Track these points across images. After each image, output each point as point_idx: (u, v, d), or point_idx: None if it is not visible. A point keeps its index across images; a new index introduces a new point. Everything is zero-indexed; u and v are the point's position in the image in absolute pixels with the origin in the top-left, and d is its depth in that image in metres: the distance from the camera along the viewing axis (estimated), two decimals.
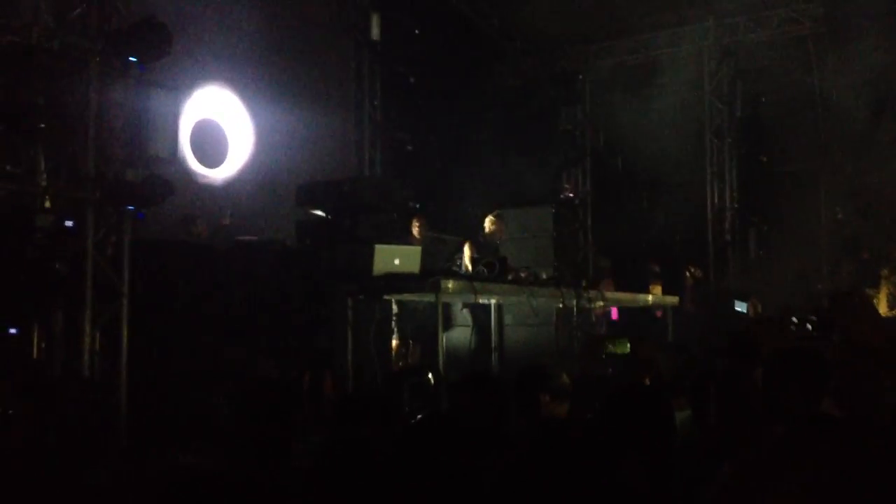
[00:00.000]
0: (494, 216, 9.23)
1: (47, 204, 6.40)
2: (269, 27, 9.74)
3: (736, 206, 12.62)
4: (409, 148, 11.11)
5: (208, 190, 9.02)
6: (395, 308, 8.45)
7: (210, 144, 9.02)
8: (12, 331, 6.33)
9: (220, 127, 9.30)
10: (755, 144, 12.66)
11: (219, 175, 9.20)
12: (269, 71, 9.78)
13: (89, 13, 6.59)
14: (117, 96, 6.43)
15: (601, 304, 9.38)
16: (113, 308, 6.57)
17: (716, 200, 12.72)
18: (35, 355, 6.42)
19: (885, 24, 10.84)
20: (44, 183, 6.41)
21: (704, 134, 12.81)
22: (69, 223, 6.14)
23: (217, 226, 8.81)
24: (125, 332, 6.64)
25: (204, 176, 8.70)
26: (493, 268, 8.46)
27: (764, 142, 12.64)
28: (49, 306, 6.28)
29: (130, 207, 6.39)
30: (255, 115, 9.80)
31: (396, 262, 7.74)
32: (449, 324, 8.73)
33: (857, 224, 11.94)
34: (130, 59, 6.46)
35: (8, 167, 6.46)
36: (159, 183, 6.42)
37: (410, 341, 8.92)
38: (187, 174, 8.12)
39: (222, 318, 7.46)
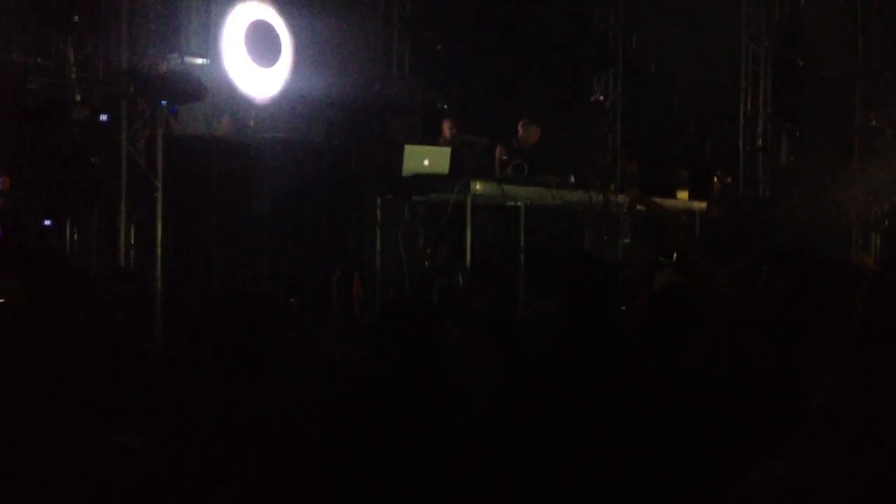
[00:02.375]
0: (527, 120, 9.16)
1: (77, 97, 6.43)
2: None
3: (769, 111, 12.43)
4: (439, 48, 10.94)
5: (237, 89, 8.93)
6: (422, 208, 8.50)
7: (264, 45, 8.90)
8: (47, 223, 6.44)
9: (272, 27, 9.18)
10: (792, 49, 12.38)
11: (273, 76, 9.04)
12: None
13: None
14: None
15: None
16: (147, 202, 6.66)
17: (749, 106, 12.54)
18: (68, 248, 6.55)
19: None
20: (73, 76, 6.42)
21: (740, 37, 12.53)
22: (104, 117, 6.18)
23: (241, 125, 8.78)
24: (160, 226, 6.74)
25: (237, 75, 8.58)
26: (521, 170, 8.46)
27: (801, 46, 12.34)
28: (85, 200, 6.36)
29: (164, 102, 6.40)
30: (285, 13, 9.64)
31: (426, 162, 7.76)
32: (476, 226, 8.77)
33: (892, 132, 11.77)
34: None
35: (40, 60, 6.48)
36: (193, 79, 6.41)
37: (437, 242, 8.99)
38: (220, 71, 8.04)
39: (253, 215, 7.54)
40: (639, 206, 8.33)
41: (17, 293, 5.65)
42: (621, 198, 9.09)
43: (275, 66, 8.86)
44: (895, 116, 11.84)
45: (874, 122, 11.78)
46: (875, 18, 12.20)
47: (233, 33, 8.26)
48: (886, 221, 10.70)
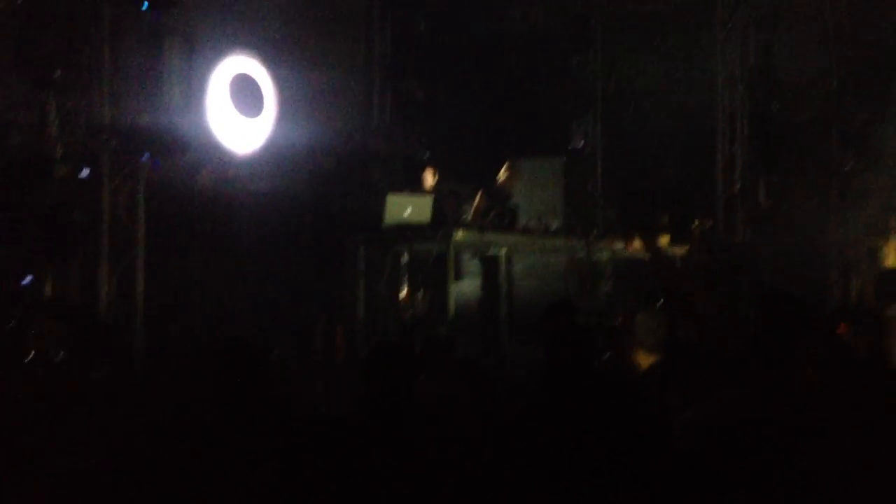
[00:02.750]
0: (508, 166, 9.22)
1: (60, 153, 6.43)
2: None
3: (746, 155, 12.58)
4: (420, 96, 11.05)
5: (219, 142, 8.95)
6: (405, 257, 8.51)
7: (248, 96, 8.98)
8: (27, 279, 6.41)
9: (256, 79, 9.26)
10: (767, 93, 12.57)
11: (256, 127, 9.10)
12: (277, 18, 9.67)
13: None
14: (131, 44, 6.41)
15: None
16: (129, 256, 6.64)
17: (726, 150, 12.68)
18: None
19: None
20: (56, 132, 6.43)
21: (716, 82, 12.71)
22: (85, 172, 6.18)
23: (222, 176, 8.78)
24: (141, 280, 6.71)
25: (221, 126, 8.62)
26: (503, 218, 8.51)
27: (776, 90, 12.54)
28: (66, 255, 6.34)
29: (146, 156, 6.42)
30: (267, 64, 9.72)
31: (408, 211, 7.78)
32: (459, 274, 8.78)
33: (867, 175, 11.93)
34: (144, 6, 6.43)
35: (21, 116, 6.49)
36: (175, 133, 6.43)
37: (420, 291, 9.00)
38: (203, 124, 8.08)
39: (235, 267, 7.53)
40: (636, 245, 8.39)
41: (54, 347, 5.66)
42: (603, 243, 9.15)
43: (258, 118, 8.94)
44: (871, 159, 12.01)
45: (851, 165, 11.94)
46: (847, 61, 12.42)
47: (217, 85, 8.32)
48: (865, 264, 10.80)
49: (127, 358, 6.69)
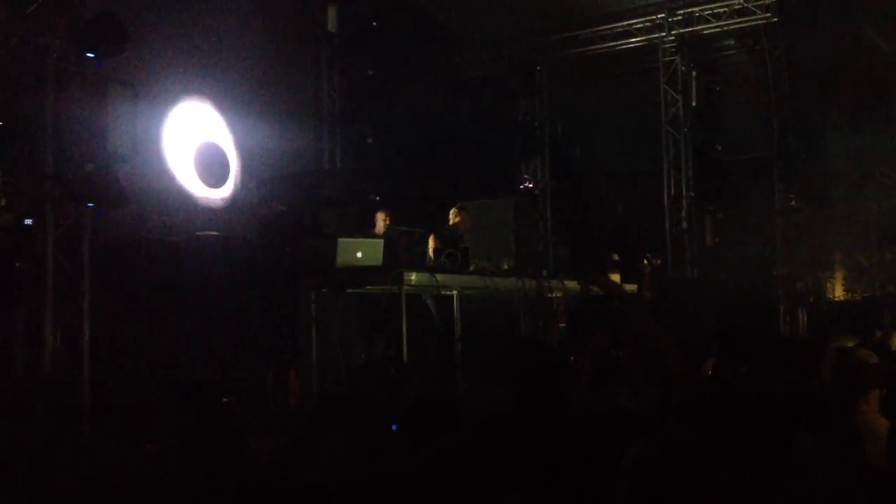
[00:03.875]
0: (458, 208, 9.29)
1: (3, 202, 6.33)
2: (232, 24, 9.66)
3: (692, 194, 12.82)
4: (370, 140, 11.11)
5: (167, 190, 8.90)
6: (357, 301, 8.49)
7: (212, 166, 8.99)
8: None
9: (221, 149, 9.28)
10: (710, 134, 12.86)
11: (219, 195, 9.14)
12: (228, 65, 9.71)
13: (46, 9, 6.50)
14: (75, 92, 6.36)
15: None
16: (75, 305, 6.52)
17: (672, 189, 12.92)
18: None
19: (835, 15, 11.09)
20: None
21: (660, 124, 12.97)
22: (28, 221, 6.08)
23: (170, 222, 8.71)
24: (87, 330, 6.59)
25: (162, 177, 8.59)
26: (455, 259, 8.53)
27: (719, 131, 12.83)
28: (10, 305, 6.21)
29: (90, 205, 6.33)
30: (218, 111, 9.71)
31: (359, 254, 7.77)
32: (411, 316, 8.76)
33: (810, 210, 12.21)
34: (87, 55, 6.40)
35: None
36: (117, 185, 6.36)
37: (373, 334, 8.95)
38: (147, 172, 8.02)
39: (184, 314, 7.43)
40: (593, 287, 8.38)
41: None
42: (554, 283, 9.21)
43: (223, 187, 8.99)
44: (813, 196, 12.31)
45: (793, 202, 12.23)
46: (788, 101, 12.77)
47: (181, 150, 8.35)
48: (811, 297, 11.01)
49: (73, 410, 6.54)
